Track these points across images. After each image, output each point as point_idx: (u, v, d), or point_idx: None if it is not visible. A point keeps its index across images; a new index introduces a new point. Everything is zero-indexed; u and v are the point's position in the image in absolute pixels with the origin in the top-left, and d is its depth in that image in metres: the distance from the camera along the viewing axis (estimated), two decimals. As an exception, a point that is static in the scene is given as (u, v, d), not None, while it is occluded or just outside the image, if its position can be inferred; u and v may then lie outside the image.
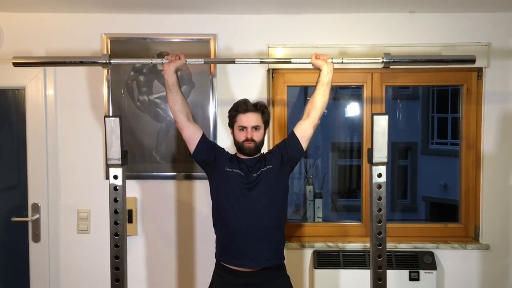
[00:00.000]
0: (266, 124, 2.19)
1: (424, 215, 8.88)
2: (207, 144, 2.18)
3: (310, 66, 2.66)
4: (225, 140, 2.64)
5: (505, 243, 2.71)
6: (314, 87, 2.14)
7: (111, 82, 2.64)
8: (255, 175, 2.11)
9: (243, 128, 2.12)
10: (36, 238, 2.69)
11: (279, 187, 2.15)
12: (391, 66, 2.65)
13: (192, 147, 2.15)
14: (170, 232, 2.72)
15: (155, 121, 2.66)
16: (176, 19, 2.64)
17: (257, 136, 2.13)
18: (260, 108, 2.15)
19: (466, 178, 2.78)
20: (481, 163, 2.71)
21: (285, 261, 2.19)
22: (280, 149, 2.18)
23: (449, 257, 2.70)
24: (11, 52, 2.64)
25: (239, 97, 2.24)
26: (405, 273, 2.62)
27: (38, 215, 2.68)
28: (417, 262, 2.63)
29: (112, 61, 2.07)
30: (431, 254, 2.66)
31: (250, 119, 2.11)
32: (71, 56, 2.10)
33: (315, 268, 2.64)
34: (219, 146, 2.27)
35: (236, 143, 2.17)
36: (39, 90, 2.65)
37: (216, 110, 2.65)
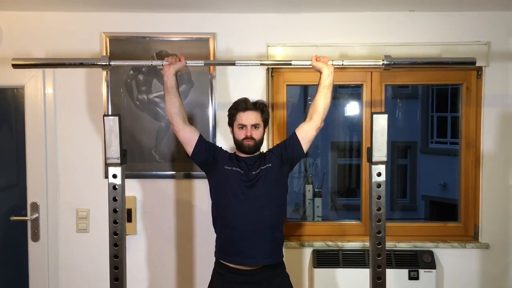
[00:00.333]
0: (265, 122, 2.20)
1: (423, 214, 8.89)
2: (205, 144, 2.18)
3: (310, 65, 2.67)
4: (224, 139, 2.64)
5: (504, 242, 2.71)
6: (316, 90, 2.14)
7: (110, 81, 2.63)
8: (254, 173, 2.11)
9: (242, 126, 2.13)
10: (35, 237, 2.69)
11: (278, 186, 2.15)
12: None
13: (190, 148, 2.14)
14: (169, 231, 2.72)
15: (154, 120, 2.66)
16: (175, 18, 2.64)
17: (256, 134, 2.13)
18: (259, 106, 2.16)
19: (465, 177, 2.78)
20: (481, 162, 2.71)
21: (284, 260, 2.19)
22: (280, 148, 2.19)
23: (448, 256, 2.70)
24: (10, 51, 2.65)
25: (238, 96, 2.24)
26: (404, 272, 2.62)
27: (37, 214, 2.68)
28: (416, 261, 2.63)
29: (112, 62, 2.06)
30: (430, 253, 2.66)
31: (249, 117, 2.12)
32: (70, 57, 2.10)
33: (314, 267, 2.64)
34: (217, 145, 2.27)
35: (236, 141, 2.17)
36: (38, 89, 2.65)
37: (216, 109, 2.64)
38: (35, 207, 2.68)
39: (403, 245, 2.69)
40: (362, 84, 2.76)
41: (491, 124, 2.67)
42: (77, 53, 2.65)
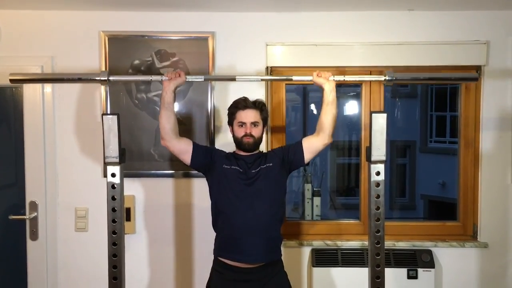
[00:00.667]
0: (264, 121, 2.21)
1: (422, 213, 8.90)
2: (201, 148, 2.19)
3: (309, 64, 2.68)
4: (223, 138, 2.64)
5: (503, 241, 2.71)
6: (321, 106, 2.12)
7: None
8: (254, 171, 2.13)
9: (242, 124, 2.14)
10: (34, 236, 2.69)
11: (278, 185, 2.16)
12: (390, 64, 2.68)
13: (187, 157, 2.15)
14: (168, 230, 2.72)
15: (153, 119, 2.66)
16: (174, 17, 2.64)
17: (255, 132, 2.15)
18: (258, 105, 2.18)
19: (464, 176, 2.78)
20: (480, 161, 2.71)
21: (283, 259, 2.20)
22: (283, 150, 2.21)
23: (447, 255, 2.70)
24: (8, 49, 2.64)
25: (237, 95, 2.24)
26: (403, 271, 2.62)
27: (36, 213, 2.67)
28: (415, 260, 2.63)
29: (111, 77, 2.01)
30: (429, 252, 2.66)
31: (249, 115, 2.14)
32: (68, 73, 2.08)
33: (313, 266, 2.64)
34: (212, 147, 2.28)
35: (235, 139, 2.18)
36: (37, 88, 2.64)
37: (214, 108, 2.64)
38: (33, 206, 2.67)
39: (402, 244, 2.69)
40: (361, 83, 2.76)
41: (490, 124, 2.67)
42: (76, 51, 2.65)
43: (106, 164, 1.83)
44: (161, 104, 2.08)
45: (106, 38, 2.61)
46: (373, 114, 1.78)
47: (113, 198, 1.83)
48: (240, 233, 2.07)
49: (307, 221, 3.03)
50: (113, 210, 1.83)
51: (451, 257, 2.71)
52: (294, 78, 2.03)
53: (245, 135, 2.13)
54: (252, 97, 2.21)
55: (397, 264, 2.63)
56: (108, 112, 2.61)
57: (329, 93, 2.06)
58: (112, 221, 1.83)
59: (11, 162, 2.79)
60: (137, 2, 2.50)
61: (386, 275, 1.83)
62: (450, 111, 8.94)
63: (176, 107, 2.65)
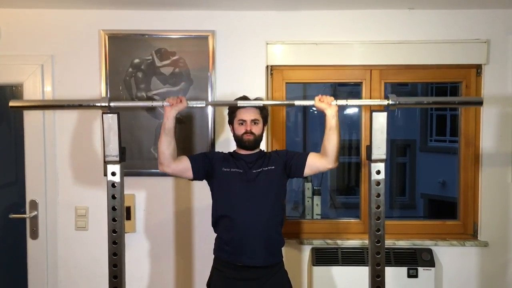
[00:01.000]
0: (264, 120, 2.21)
1: (422, 212, 8.90)
2: (199, 159, 2.18)
3: (309, 63, 2.68)
4: (223, 137, 2.64)
5: (503, 240, 2.71)
6: (324, 131, 2.08)
7: (109, 79, 2.63)
8: (255, 171, 2.13)
9: (242, 122, 2.14)
10: (34, 235, 2.69)
11: (278, 188, 2.17)
12: (390, 63, 2.68)
13: (189, 173, 2.14)
14: (168, 229, 2.72)
15: (153, 118, 2.66)
16: (174, 16, 2.63)
17: (256, 129, 2.15)
18: (259, 104, 2.17)
19: (464, 175, 2.78)
20: (480, 160, 2.71)
21: (283, 258, 2.20)
22: (287, 155, 2.20)
23: (447, 254, 2.70)
24: (8, 48, 2.64)
25: (238, 94, 2.24)
26: (403, 270, 2.62)
27: (36, 212, 2.68)
28: (415, 259, 2.63)
29: (112, 103, 1.89)
30: (429, 251, 2.66)
31: (249, 113, 2.14)
32: (68, 99, 2.05)
33: (313, 265, 2.65)
34: (208, 152, 2.27)
35: (236, 137, 2.19)
36: (37, 86, 2.64)
37: (215, 108, 2.64)
38: (34, 205, 2.68)
39: (402, 243, 2.69)
40: (361, 82, 2.76)
41: (490, 122, 2.67)
42: (76, 50, 2.65)
43: (106, 162, 1.83)
44: (162, 130, 2.05)
45: (106, 37, 2.61)
46: (373, 113, 1.78)
47: (113, 197, 1.83)
48: (240, 236, 2.07)
49: (307, 220, 3.03)
50: (113, 209, 1.83)
51: (451, 256, 2.71)
52: (296, 103, 1.98)
53: (246, 132, 2.13)
54: (252, 95, 2.21)
55: (397, 263, 2.63)
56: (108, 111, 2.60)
57: (331, 118, 2.02)
58: (112, 219, 1.83)
59: (11, 160, 2.79)
60: (137, 0, 2.50)
61: (386, 274, 1.83)
62: (450, 110, 8.94)
63: (176, 106, 2.65)
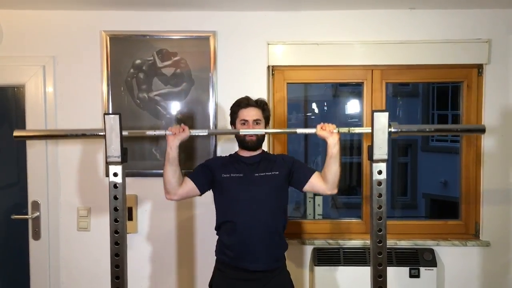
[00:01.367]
0: (266, 120, 2.21)
1: (424, 212, 8.88)
2: (199, 174, 2.19)
3: (310, 63, 2.68)
4: (224, 137, 2.64)
5: (505, 240, 2.71)
6: (325, 159, 2.09)
7: (111, 80, 2.63)
8: (257, 175, 2.13)
9: (244, 122, 2.14)
10: (36, 236, 2.69)
11: (281, 193, 2.17)
12: (391, 63, 2.68)
13: (195, 192, 2.16)
14: (170, 230, 2.72)
15: (155, 119, 2.66)
16: (175, 16, 2.64)
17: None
18: (260, 104, 2.19)
19: (466, 175, 2.78)
20: (481, 160, 2.71)
21: (285, 256, 2.20)
22: (293, 164, 2.20)
23: (449, 254, 2.70)
24: (10, 49, 2.65)
25: (239, 94, 2.24)
26: (405, 270, 2.62)
27: (38, 213, 2.68)
28: (417, 259, 2.63)
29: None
30: (431, 251, 2.66)
31: (251, 113, 2.14)
32: (71, 129, 2.04)
33: (315, 265, 2.65)
34: (207, 161, 2.26)
35: (238, 137, 2.18)
36: (39, 87, 2.65)
37: (216, 107, 2.64)
38: (36, 205, 2.68)
39: (404, 243, 2.69)
40: (362, 82, 2.76)
41: (492, 122, 2.67)
42: (77, 51, 2.66)
43: (108, 163, 1.83)
44: (166, 160, 2.06)
45: (108, 38, 2.61)
46: (374, 113, 1.77)
47: (115, 198, 1.83)
48: (242, 241, 2.07)
49: (309, 220, 3.03)
50: (115, 209, 1.83)
51: (453, 256, 2.70)
52: (298, 131, 1.97)
53: None
54: (254, 96, 2.22)
55: (399, 263, 2.63)
56: (110, 112, 2.61)
57: (333, 147, 2.03)
58: (114, 220, 1.83)
59: (13, 161, 2.79)
60: (138, 1, 2.50)
61: (388, 274, 1.83)
62: (452, 109, 8.93)
63: (178, 106, 2.65)
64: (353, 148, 7.63)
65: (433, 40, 2.64)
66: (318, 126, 2.02)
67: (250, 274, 2.07)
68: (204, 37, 2.62)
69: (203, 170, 2.19)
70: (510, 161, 2.68)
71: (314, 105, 7.29)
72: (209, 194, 2.22)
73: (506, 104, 2.66)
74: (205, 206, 2.64)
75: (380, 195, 1.78)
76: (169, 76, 2.64)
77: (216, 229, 2.20)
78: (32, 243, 2.70)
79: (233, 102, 2.22)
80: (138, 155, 2.65)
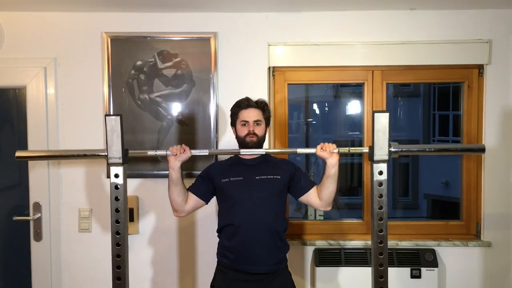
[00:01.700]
0: (267, 121, 2.20)
1: (425, 213, 8.88)
2: (200, 185, 2.20)
3: (310, 64, 2.68)
4: (225, 138, 2.65)
5: (506, 240, 2.70)
6: (322, 177, 2.10)
7: (112, 81, 2.64)
8: (258, 178, 2.12)
9: (245, 123, 2.14)
10: (38, 237, 2.70)
11: (281, 197, 2.17)
12: (392, 64, 2.68)
13: (201, 203, 2.19)
14: (171, 231, 2.72)
15: (156, 120, 2.66)
16: (176, 17, 2.64)
17: (258, 130, 2.14)
18: (261, 105, 2.18)
19: (467, 175, 2.78)
20: (483, 160, 2.71)
21: (287, 257, 2.20)
22: (296, 172, 2.20)
23: (450, 254, 2.70)
24: (11, 51, 2.65)
25: (239, 95, 2.24)
26: (406, 270, 2.62)
27: (39, 214, 2.68)
28: (418, 260, 2.63)
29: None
30: (432, 252, 2.66)
31: (251, 114, 2.14)
32: (73, 149, 2.05)
33: (316, 266, 2.65)
34: (206, 169, 2.26)
35: (238, 139, 2.18)
36: (40, 89, 2.66)
37: (217, 109, 2.65)
38: (37, 207, 2.68)
39: (405, 244, 2.69)
40: (363, 83, 2.76)
41: (493, 122, 2.67)
42: (79, 52, 2.66)
43: (109, 164, 1.83)
44: (170, 181, 2.08)
45: (109, 39, 2.62)
46: (375, 114, 1.77)
47: (117, 199, 1.83)
48: (242, 243, 2.06)
49: (310, 221, 3.03)
50: (117, 210, 1.84)
51: (454, 256, 2.70)
52: (299, 150, 1.95)
53: (248, 133, 2.12)
54: (254, 97, 2.22)
55: (400, 263, 2.63)
56: (111, 113, 2.61)
57: (331, 168, 2.03)
58: (116, 221, 1.84)
59: (14, 163, 2.79)
60: (139, 3, 2.50)
61: (390, 275, 1.83)
62: (453, 109, 8.93)
63: (179, 107, 2.66)
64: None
65: (433, 40, 2.64)
66: (318, 147, 2.02)
67: (251, 276, 2.07)
68: (205, 38, 2.63)
69: (203, 180, 2.20)
70: (511, 161, 2.68)
71: (315, 106, 7.30)
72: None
73: (507, 104, 2.66)
74: (207, 207, 2.63)
75: (381, 196, 1.78)
76: (170, 77, 2.65)
77: (217, 231, 2.20)
78: (33, 244, 2.71)
79: (233, 103, 2.22)
80: (139, 156, 2.65)
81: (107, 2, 2.48)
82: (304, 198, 2.18)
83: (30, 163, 2.67)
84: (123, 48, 2.63)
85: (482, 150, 1.94)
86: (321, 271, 2.64)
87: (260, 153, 2.08)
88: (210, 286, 2.20)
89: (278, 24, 2.66)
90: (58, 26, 2.66)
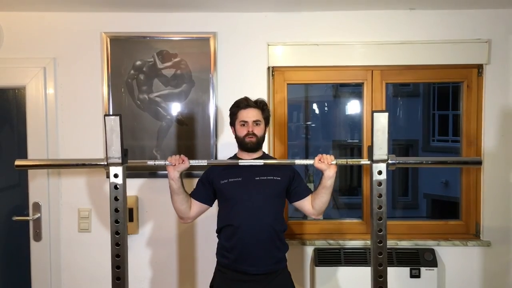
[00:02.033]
0: (266, 120, 2.20)
1: (425, 212, 8.88)
2: (201, 190, 2.20)
3: (310, 63, 2.68)
4: (224, 138, 2.65)
5: (506, 239, 2.71)
6: (317, 186, 2.11)
7: (111, 81, 2.64)
8: (258, 179, 2.12)
9: (244, 123, 2.13)
10: (37, 237, 2.70)
11: (281, 198, 2.18)
12: (391, 63, 2.68)
13: (205, 207, 2.20)
14: (171, 231, 2.72)
15: (155, 120, 2.66)
16: (176, 17, 2.64)
17: (258, 130, 2.14)
18: (260, 104, 2.17)
19: (467, 175, 2.78)
20: (482, 160, 2.70)
21: (286, 257, 2.20)
22: (295, 177, 2.20)
23: (450, 254, 2.70)
24: (11, 51, 2.65)
25: (239, 95, 2.24)
26: (406, 270, 2.62)
27: (39, 214, 2.69)
28: (418, 259, 2.63)
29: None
30: (432, 251, 2.66)
31: (251, 114, 2.13)
32: (73, 159, 2.06)
33: (316, 265, 2.65)
34: (203, 176, 2.25)
35: (238, 139, 2.18)
36: (39, 89, 2.66)
37: (216, 108, 2.65)
38: (37, 207, 2.69)
39: (405, 243, 2.69)
40: (362, 83, 2.76)
41: (492, 122, 2.67)
42: (78, 52, 2.66)
43: (108, 164, 1.83)
44: (171, 191, 2.09)
45: (108, 39, 2.62)
46: (374, 114, 1.77)
47: (116, 199, 1.83)
48: (241, 244, 2.06)
49: (309, 221, 3.02)
50: (116, 210, 1.83)
51: (453, 256, 2.71)
52: (297, 162, 1.94)
53: (248, 134, 2.12)
54: (254, 96, 2.21)
55: (400, 263, 2.63)
56: (110, 113, 2.61)
57: (327, 179, 2.04)
58: (115, 221, 1.83)
59: (14, 163, 2.79)
60: (138, 3, 2.50)
61: (389, 274, 1.83)
62: (452, 109, 8.93)
63: (178, 107, 2.66)
64: (353, 149, 7.64)
65: (433, 40, 2.64)
66: (316, 158, 2.02)
67: (250, 276, 2.07)
68: (204, 38, 2.63)
69: (203, 185, 2.21)
70: (511, 161, 2.68)
71: (314, 106, 7.30)
72: (210, 195, 2.22)
73: (506, 104, 2.66)
74: (206, 207, 2.64)
75: (380, 196, 1.78)
76: (170, 77, 2.65)
77: (217, 232, 2.20)
78: (33, 244, 2.71)
79: (233, 103, 2.22)
80: (138, 156, 2.65)
81: (107, 2, 2.48)
82: (298, 204, 2.19)
83: (30, 163, 2.67)
84: (122, 48, 2.63)
85: (479, 163, 1.95)
86: (320, 271, 2.64)
87: (258, 164, 2.04)
88: (210, 286, 2.20)
89: (277, 24, 2.66)
90: (57, 26, 2.66)
